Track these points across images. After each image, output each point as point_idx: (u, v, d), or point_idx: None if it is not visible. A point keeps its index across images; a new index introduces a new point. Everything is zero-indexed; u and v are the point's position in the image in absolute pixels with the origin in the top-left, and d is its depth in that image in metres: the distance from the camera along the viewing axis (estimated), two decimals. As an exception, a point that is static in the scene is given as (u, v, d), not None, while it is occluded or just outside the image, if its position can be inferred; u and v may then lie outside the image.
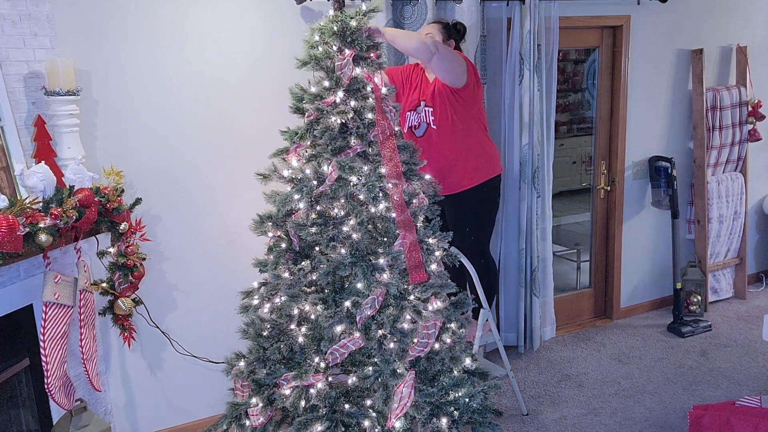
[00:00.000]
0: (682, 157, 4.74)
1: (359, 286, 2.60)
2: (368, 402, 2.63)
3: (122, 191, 2.82)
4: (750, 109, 4.79)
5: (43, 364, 2.53)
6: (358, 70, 2.69)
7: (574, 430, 3.35)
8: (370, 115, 2.71)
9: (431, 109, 3.26)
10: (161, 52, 3.08)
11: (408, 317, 2.61)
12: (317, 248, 2.72)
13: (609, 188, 4.57)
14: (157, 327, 3.23)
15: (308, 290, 2.73)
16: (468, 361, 2.78)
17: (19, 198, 2.35)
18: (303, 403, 2.60)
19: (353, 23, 2.68)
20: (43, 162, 2.51)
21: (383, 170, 2.67)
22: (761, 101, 4.81)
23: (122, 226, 2.80)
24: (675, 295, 4.55)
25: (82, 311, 2.75)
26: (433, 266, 2.73)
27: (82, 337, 2.77)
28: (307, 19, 3.35)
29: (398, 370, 2.57)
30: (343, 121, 2.68)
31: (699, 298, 4.67)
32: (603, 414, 3.49)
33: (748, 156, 4.91)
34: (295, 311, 2.69)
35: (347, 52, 2.68)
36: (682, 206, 4.76)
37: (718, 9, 4.66)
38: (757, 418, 3.02)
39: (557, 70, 4.03)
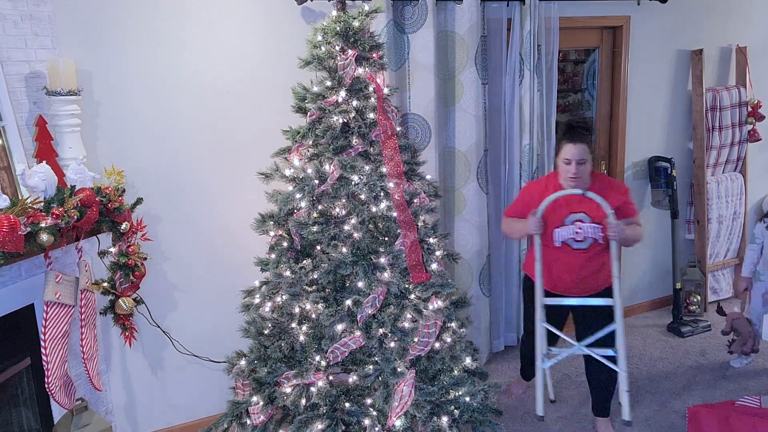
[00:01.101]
0: (682, 158, 4.74)
1: (360, 284, 2.61)
2: (368, 401, 2.64)
3: (123, 191, 2.83)
4: (750, 109, 4.80)
5: (44, 363, 2.54)
6: (360, 70, 2.71)
7: (574, 429, 3.36)
8: (371, 115, 2.72)
9: (600, 227, 3.04)
10: (162, 52, 3.09)
11: (409, 316, 2.62)
12: (318, 247, 2.73)
13: (609, 188, 4.57)
14: (158, 326, 3.24)
15: (309, 289, 2.74)
16: (468, 361, 2.79)
17: (20, 198, 2.35)
18: (304, 401, 2.61)
19: (356, 23, 2.70)
20: (44, 162, 2.51)
21: (384, 170, 2.68)
22: (761, 101, 4.82)
23: (123, 226, 2.80)
24: (674, 295, 4.55)
25: (83, 311, 2.76)
26: (434, 266, 2.74)
27: (83, 336, 2.78)
28: (308, 20, 3.35)
29: (399, 369, 2.58)
30: (345, 120, 2.69)
31: (698, 298, 4.68)
32: (603, 413, 3.49)
33: (747, 156, 4.91)
34: (296, 310, 2.70)
35: (350, 52, 2.70)
36: (681, 206, 4.76)
37: (718, 9, 4.67)
38: (756, 417, 3.03)
39: (557, 70, 4.04)
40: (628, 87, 4.41)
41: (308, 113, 2.76)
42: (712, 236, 4.80)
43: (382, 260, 2.62)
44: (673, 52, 4.56)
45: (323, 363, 2.61)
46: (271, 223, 2.84)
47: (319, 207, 2.72)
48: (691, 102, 4.68)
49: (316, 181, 2.69)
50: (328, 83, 2.72)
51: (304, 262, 2.76)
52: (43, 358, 2.54)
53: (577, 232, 3.04)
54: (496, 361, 4.12)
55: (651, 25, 4.40)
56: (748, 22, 4.84)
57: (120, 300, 2.88)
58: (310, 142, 2.75)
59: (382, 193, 2.67)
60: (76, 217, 2.45)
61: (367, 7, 2.82)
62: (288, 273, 2.74)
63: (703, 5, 4.58)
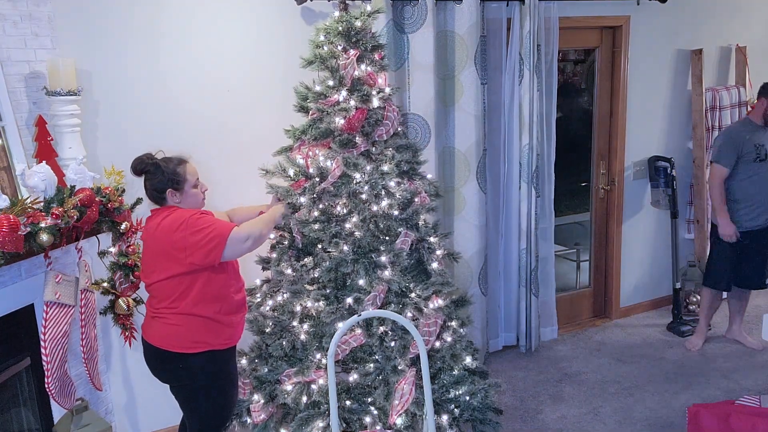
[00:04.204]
0: (682, 157, 4.74)
1: (361, 282, 2.61)
2: (369, 399, 2.64)
3: (123, 191, 2.83)
4: (749, 109, 4.79)
5: (44, 363, 2.53)
6: (362, 67, 2.72)
7: (575, 429, 3.36)
8: (375, 115, 2.74)
9: None
10: (162, 52, 3.09)
11: (409, 314, 2.63)
12: (320, 245, 2.74)
13: (608, 188, 4.57)
14: (158, 327, 3.23)
15: (310, 287, 2.75)
16: (468, 360, 2.79)
17: (20, 198, 2.35)
18: (305, 399, 2.61)
19: (358, 24, 2.71)
20: (44, 162, 2.51)
21: (385, 168, 2.69)
22: (760, 101, 4.82)
23: (123, 226, 2.80)
24: (674, 295, 4.55)
25: (83, 311, 2.76)
26: (434, 265, 2.75)
27: (83, 336, 2.78)
28: (308, 20, 3.35)
29: (399, 367, 2.58)
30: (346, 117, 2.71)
31: (698, 297, 4.68)
32: (603, 413, 3.50)
33: (747, 156, 4.91)
34: (298, 308, 2.70)
35: (352, 52, 2.71)
36: (681, 206, 4.76)
37: (718, 9, 4.67)
38: (756, 416, 3.03)
39: (557, 70, 4.04)
40: (627, 87, 4.41)
41: (310, 112, 2.77)
42: (711, 236, 4.80)
43: (383, 258, 2.62)
44: (673, 52, 4.57)
45: (324, 361, 2.61)
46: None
47: (320, 205, 2.72)
48: (690, 102, 4.68)
49: (318, 179, 2.70)
50: (330, 83, 2.73)
51: (305, 260, 2.76)
52: (43, 358, 2.53)
53: None
54: (495, 360, 4.13)
55: (651, 25, 4.40)
56: (748, 22, 4.84)
57: (120, 300, 2.88)
58: (313, 139, 2.75)
59: (383, 192, 2.68)
60: (75, 217, 2.45)
61: (369, 8, 2.83)
62: (289, 271, 2.74)
63: (702, 5, 4.59)
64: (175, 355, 2.47)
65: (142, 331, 2.59)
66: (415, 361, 2.63)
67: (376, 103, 2.73)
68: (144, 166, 2.52)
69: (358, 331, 2.58)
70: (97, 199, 2.61)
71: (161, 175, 2.49)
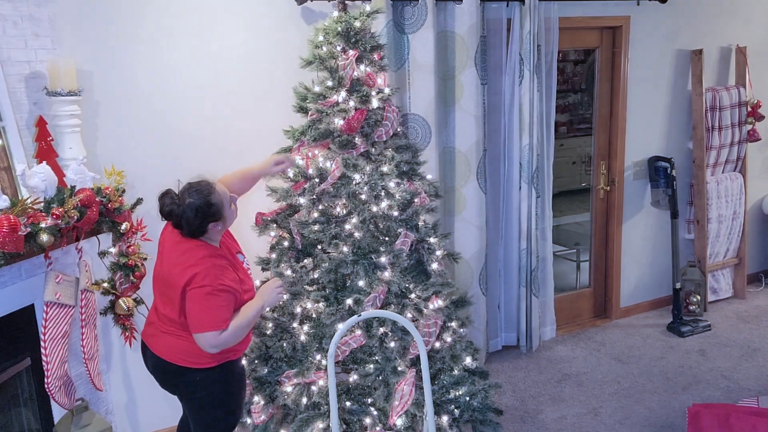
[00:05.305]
0: (682, 158, 4.74)
1: (361, 283, 2.61)
2: (369, 399, 2.65)
3: (123, 191, 2.83)
4: (749, 109, 4.80)
5: (44, 363, 2.54)
6: (361, 68, 2.72)
7: (574, 429, 3.36)
8: (374, 116, 2.74)
9: None
10: (162, 52, 3.09)
11: (409, 315, 2.63)
12: (319, 246, 2.74)
13: (608, 188, 4.57)
14: (158, 327, 3.23)
15: (310, 288, 2.75)
16: (468, 360, 2.79)
17: (20, 198, 2.35)
18: (305, 400, 2.61)
19: (357, 24, 2.71)
20: (44, 162, 2.51)
21: (385, 169, 2.69)
22: (760, 101, 4.82)
23: (123, 226, 2.80)
24: (674, 295, 4.55)
25: (83, 311, 2.76)
26: (434, 265, 2.75)
27: (84, 336, 2.78)
28: (308, 20, 3.35)
29: (399, 368, 2.58)
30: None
31: (698, 297, 4.68)
32: (603, 413, 3.50)
33: (747, 156, 4.91)
34: (298, 309, 2.70)
35: (351, 52, 2.70)
36: (681, 206, 4.76)
37: (718, 9, 4.67)
38: (756, 416, 3.03)
39: (557, 70, 4.04)
40: (627, 87, 4.41)
41: (309, 113, 2.77)
42: (711, 236, 4.80)
43: (383, 259, 2.62)
44: (673, 52, 4.57)
45: (324, 362, 2.61)
46: (273, 223, 2.85)
47: (320, 206, 2.73)
48: (690, 102, 4.68)
49: (317, 180, 2.70)
50: (329, 83, 2.72)
51: (305, 261, 2.76)
52: (43, 358, 2.54)
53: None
54: (495, 360, 4.13)
55: (651, 25, 4.40)
56: (748, 22, 4.84)
57: (120, 300, 2.88)
58: (312, 140, 2.75)
59: (383, 193, 2.68)
60: (76, 217, 2.45)
61: (368, 8, 2.82)
62: (289, 272, 2.74)
63: (703, 5, 4.59)
64: (191, 369, 2.38)
65: (149, 344, 2.48)
66: (415, 362, 2.63)
67: (375, 103, 2.73)
68: (179, 210, 2.27)
69: (358, 332, 2.58)
70: (97, 199, 2.61)
71: (200, 217, 2.25)
